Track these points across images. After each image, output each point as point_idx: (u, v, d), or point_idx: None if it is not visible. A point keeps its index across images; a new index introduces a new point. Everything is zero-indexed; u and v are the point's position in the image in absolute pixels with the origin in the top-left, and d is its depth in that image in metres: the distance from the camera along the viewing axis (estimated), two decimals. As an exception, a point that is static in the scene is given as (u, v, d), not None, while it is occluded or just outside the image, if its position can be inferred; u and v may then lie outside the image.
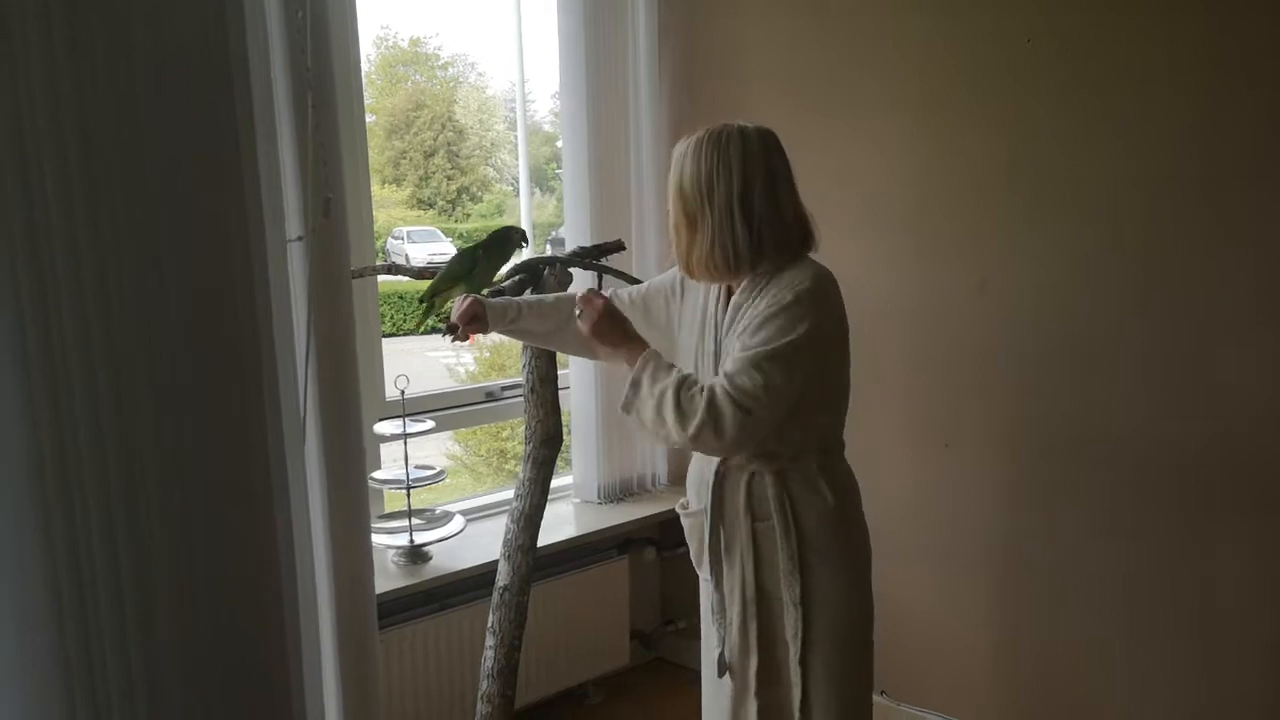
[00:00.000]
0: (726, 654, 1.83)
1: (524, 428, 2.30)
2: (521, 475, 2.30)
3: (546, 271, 2.30)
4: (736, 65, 2.92)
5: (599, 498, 2.99)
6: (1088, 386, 2.37)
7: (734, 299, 1.73)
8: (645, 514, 2.94)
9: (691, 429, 1.60)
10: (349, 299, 1.92)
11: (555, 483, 3.04)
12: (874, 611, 1.86)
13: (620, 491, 3.04)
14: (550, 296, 2.06)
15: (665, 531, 3.18)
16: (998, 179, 2.47)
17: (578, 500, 3.04)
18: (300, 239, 1.79)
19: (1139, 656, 2.37)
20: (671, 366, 1.69)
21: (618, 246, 2.59)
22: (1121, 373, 2.31)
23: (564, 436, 2.35)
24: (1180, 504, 2.26)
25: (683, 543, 3.11)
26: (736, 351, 1.63)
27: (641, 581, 3.18)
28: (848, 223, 2.72)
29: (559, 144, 2.98)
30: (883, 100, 2.64)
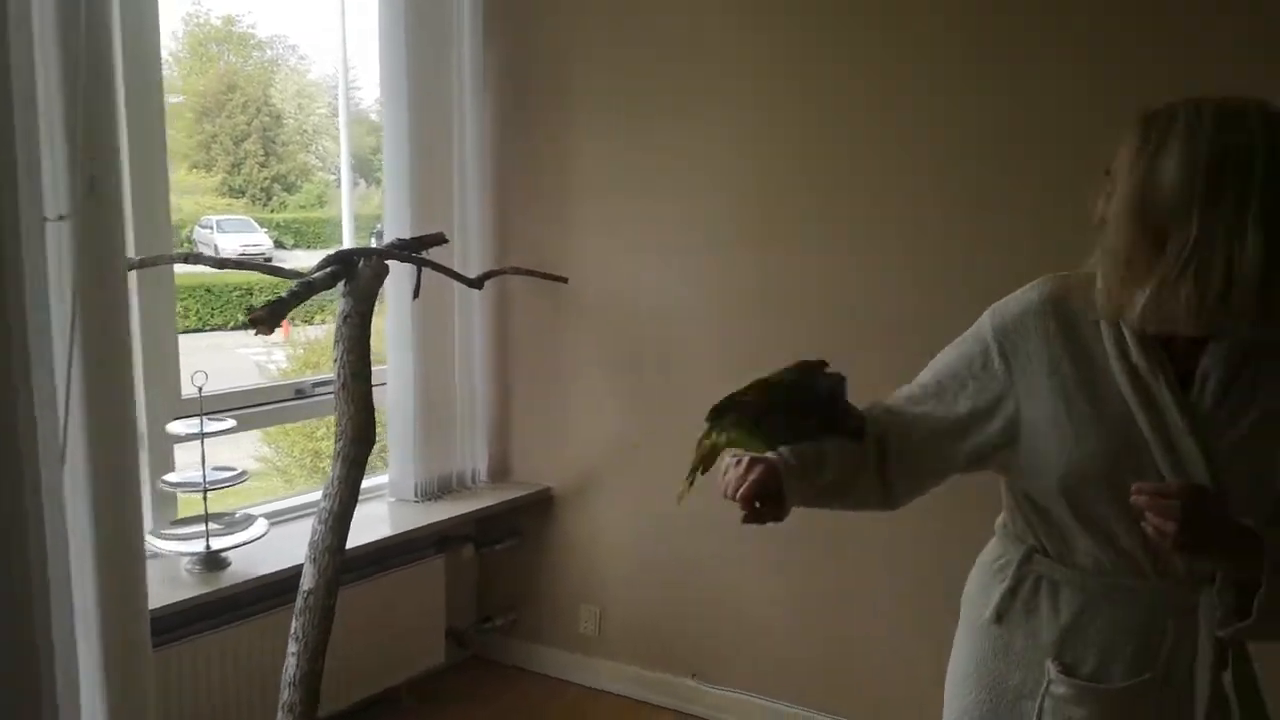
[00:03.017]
0: None
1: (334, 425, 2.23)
2: (331, 474, 2.22)
3: (361, 263, 2.24)
4: (564, 62, 2.94)
5: (416, 496, 2.94)
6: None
7: (1212, 363, 1.15)
8: (463, 511, 2.91)
9: None
10: (122, 287, 1.79)
11: (371, 481, 2.98)
12: None
13: (439, 489, 2.99)
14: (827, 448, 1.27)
15: (484, 528, 3.17)
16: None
17: (393, 499, 2.97)
18: (62, 219, 1.65)
19: (928, 621, 2.55)
20: None
21: (439, 239, 2.55)
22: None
23: (376, 434, 2.29)
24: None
25: (501, 539, 3.14)
26: None
27: (458, 579, 3.14)
28: (666, 233, 2.80)
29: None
30: (707, 105, 2.73)
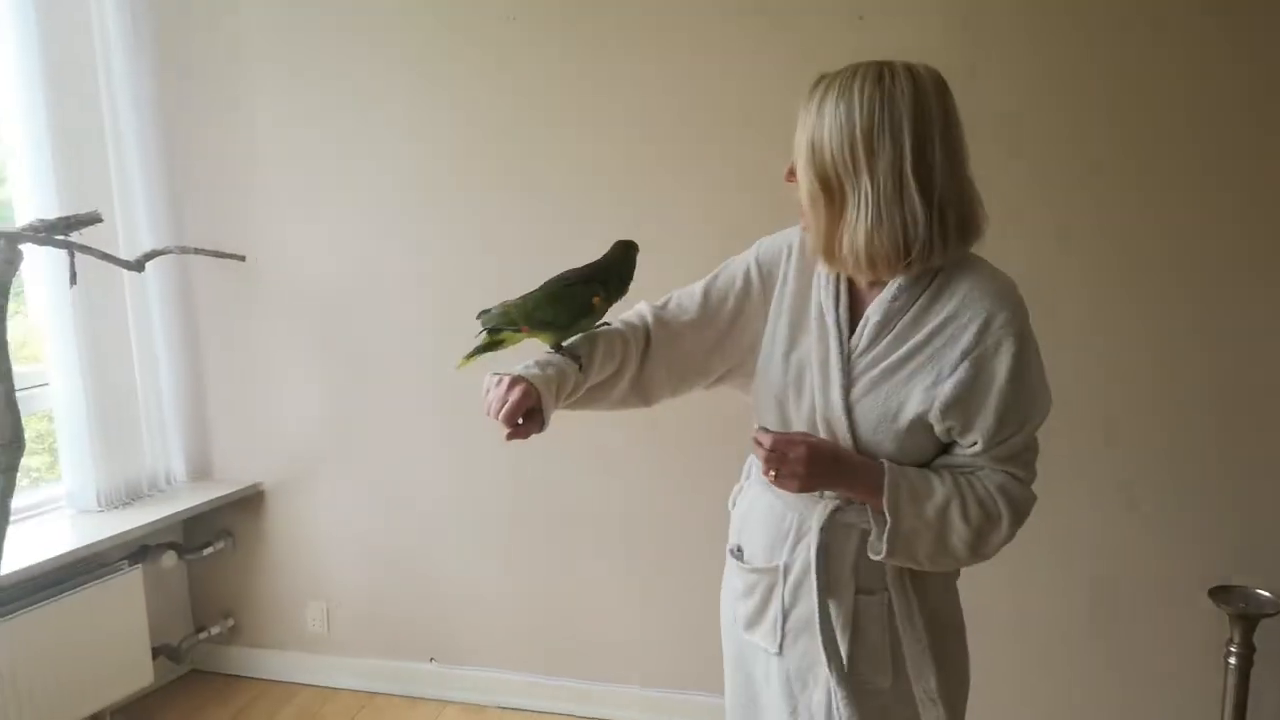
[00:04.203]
0: None
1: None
2: (-29, 489, 1.95)
3: (-13, 248, 1.96)
4: (226, 12, 2.70)
5: (100, 504, 2.65)
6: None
7: (881, 305, 1.26)
8: (160, 515, 2.65)
9: (996, 545, 1.23)
10: None
11: (45, 494, 2.66)
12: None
13: (127, 495, 2.72)
14: (593, 336, 1.38)
15: (188, 532, 2.92)
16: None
17: (72, 510, 2.66)
18: None
19: (635, 585, 2.62)
20: (920, 472, 1.24)
21: (94, 219, 2.28)
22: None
23: (25, 440, 2.03)
24: (659, 441, 2.52)
25: (210, 543, 2.90)
26: (981, 425, 1.20)
27: (162, 590, 2.88)
28: (349, 199, 2.66)
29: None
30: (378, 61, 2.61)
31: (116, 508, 2.68)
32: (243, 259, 2.45)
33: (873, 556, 1.25)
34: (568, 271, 1.37)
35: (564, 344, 1.35)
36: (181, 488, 2.87)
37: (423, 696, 2.84)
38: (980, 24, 2.16)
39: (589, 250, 1.39)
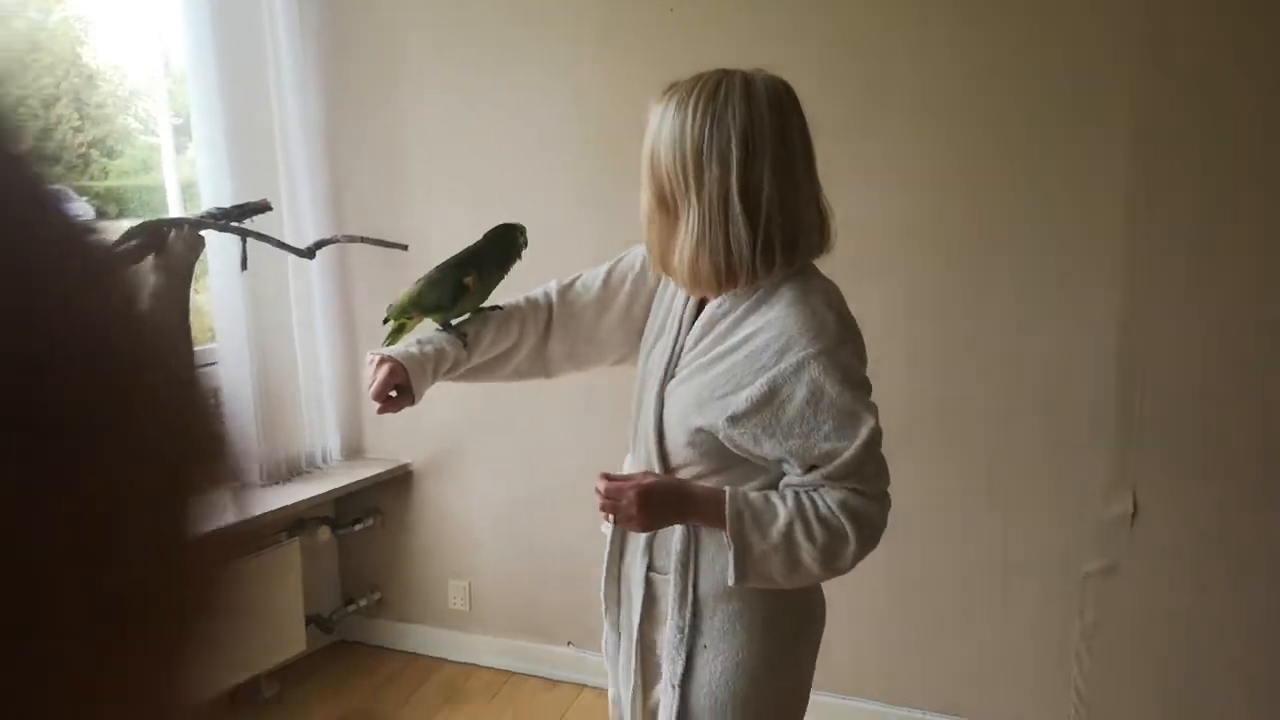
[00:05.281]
0: (617, 695, 1.50)
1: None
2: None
3: (173, 234, 2.05)
4: (390, 11, 2.76)
5: (261, 479, 2.77)
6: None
7: (710, 306, 1.29)
8: (317, 492, 2.76)
9: (849, 559, 1.21)
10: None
11: (209, 468, 2.80)
12: None
13: (287, 471, 2.83)
14: (492, 315, 1.49)
15: (341, 508, 3.03)
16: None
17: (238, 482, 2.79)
18: None
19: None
20: (763, 496, 1.23)
21: (263, 207, 2.37)
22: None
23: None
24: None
25: (360, 519, 3.00)
26: (781, 440, 1.20)
27: (316, 563, 3.00)
28: (510, 191, 2.68)
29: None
30: (550, 57, 2.61)
31: (277, 483, 2.80)
32: (405, 248, 2.51)
33: (729, 583, 1.24)
34: (447, 259, 1.51)
35: (453, 323, 1.47)
36: (336, 466, 2.98)
37: (561, 679, 2.88)
38: None
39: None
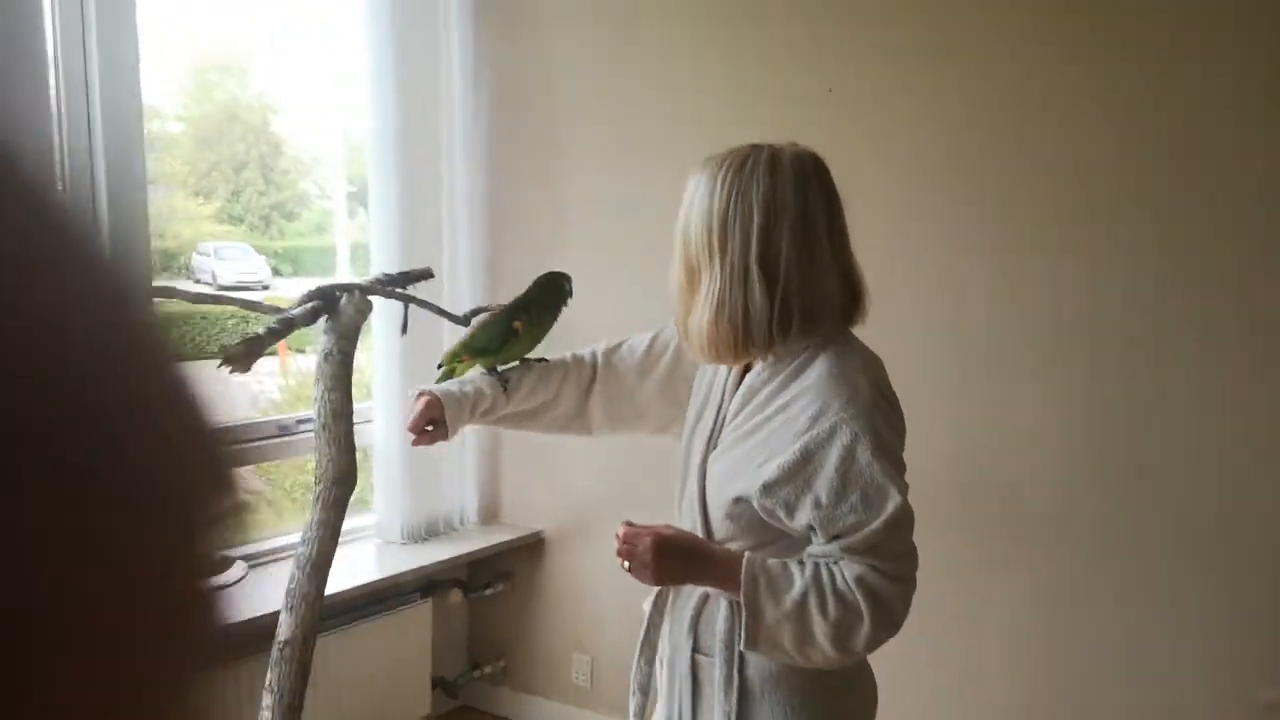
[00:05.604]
0: None
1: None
2: (310, 517, 2.12)
3: (345, 299, 2.15)
4: (556, 89, 2.87)
5: (402, 537, 2.83)
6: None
7: (750, 376, 1.31)
8: (452, 554, 2.81)
9: (863, 639, 1.17)
10: None
11: (356, 522, 2.88)
12: None
13: (425, 531, 2.89)
14: (535, 366, 1.56)
15: (474, 572, 3.05)
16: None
17: (379, 540, 2.86)
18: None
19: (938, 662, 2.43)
20: (781, 564, 1.22)
21: (425, 274, 2.46)
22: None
23: (358, 476, 2.19)
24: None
25: (491, 583, 3.02)
26: (810, 509, 1.19)
27: (446, 626, 3.03)
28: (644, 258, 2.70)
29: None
30: (695, 134, 2.65)
31: (415, 542, 2.86)
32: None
33: (740, 649, 1.23)
34: (500, 305, 1.61)
35: (499, 369, 1.54)
36: (472, 529, 3.02)
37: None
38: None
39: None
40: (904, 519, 1.18)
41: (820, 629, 1.17)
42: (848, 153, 2.43)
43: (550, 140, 2.87)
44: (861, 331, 1.32)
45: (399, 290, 2.40)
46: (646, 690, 1.42)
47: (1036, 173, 2.20)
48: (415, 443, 1.48)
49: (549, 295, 1.61)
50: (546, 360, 1.57)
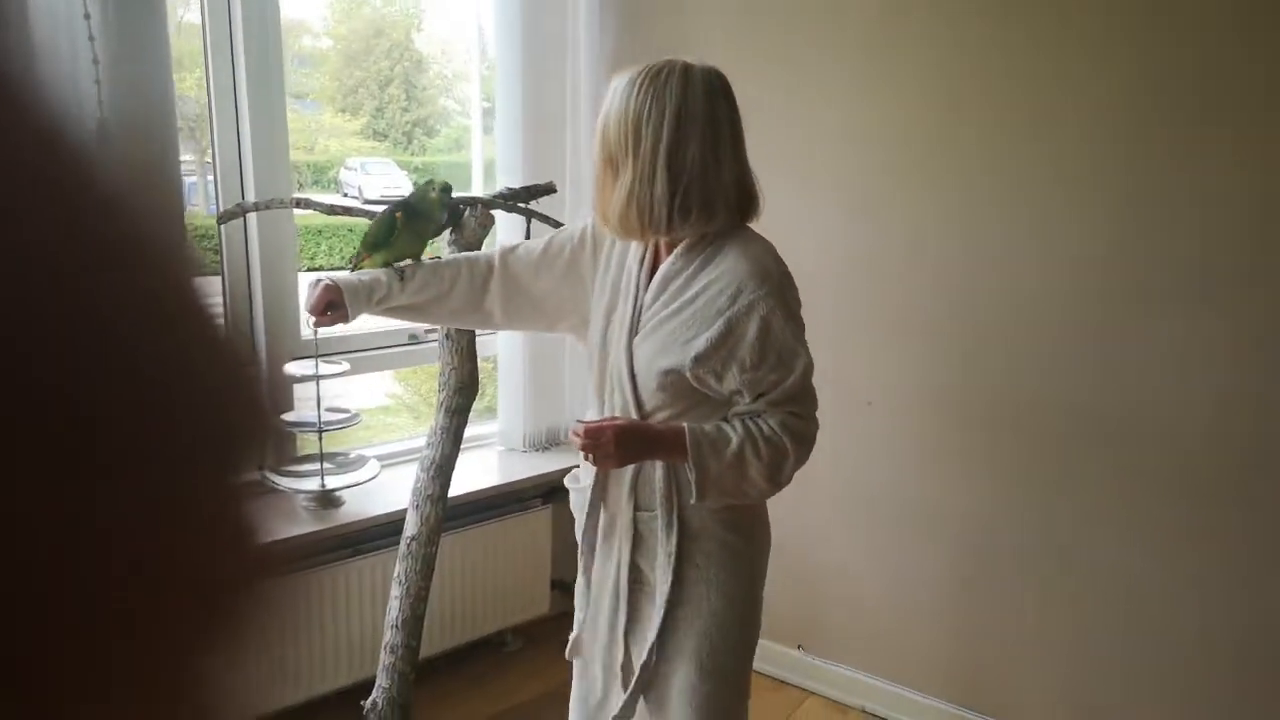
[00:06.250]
0: (585, 638, 1.73)
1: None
2: (434, 423, 2.23)
3: (468, 213, 2.21)
4: (684, 8, 2.81)
5: (524, 445, 2.94)
6: (1013, 355, 2.34)
7: (663, 267, 1.52)
8: (571, 463, 2.89)
9: (789, 470, 1.47)
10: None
11: (480, 429, 3.01)
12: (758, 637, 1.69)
13: (546, 440, 2.99)
14: (430, 263, 1.77)
15: (593, 482, 3.15)
16: (938, 141, 2.41)
17: (502, 448, 2.98)
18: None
19: (1046, 615, 2.38)
20: (716, 426, 1.47)
21: (549, 189, 2.49)
22: (1051, 343, 2.29)
23: (480, 384, 2.28)
24: (1097, 477, 2.26)
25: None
26: (736, 374, 1.45)
27: (566, 531, 3.14)
28: (789, 179, 2.65)
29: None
30: (830, 54, 2.56)
31: (537, 450, 2.96)
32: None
33: (691, 501, 1.47)
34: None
35: (393, 265, 1.73)
36: (591, 440, 3.10)
37: (788, 681, 2.85)
38: None
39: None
40: (810, 370, 1.47)
41: (755, 470, 1.44)
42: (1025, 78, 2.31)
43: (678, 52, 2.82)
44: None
45: (521, 205, 2.45)
46: (594, 550, 1.66)
47: None
48: (316, 324, 1.65)
49: (419, 198, 1.83)
50: (439, 258, 1.78)
